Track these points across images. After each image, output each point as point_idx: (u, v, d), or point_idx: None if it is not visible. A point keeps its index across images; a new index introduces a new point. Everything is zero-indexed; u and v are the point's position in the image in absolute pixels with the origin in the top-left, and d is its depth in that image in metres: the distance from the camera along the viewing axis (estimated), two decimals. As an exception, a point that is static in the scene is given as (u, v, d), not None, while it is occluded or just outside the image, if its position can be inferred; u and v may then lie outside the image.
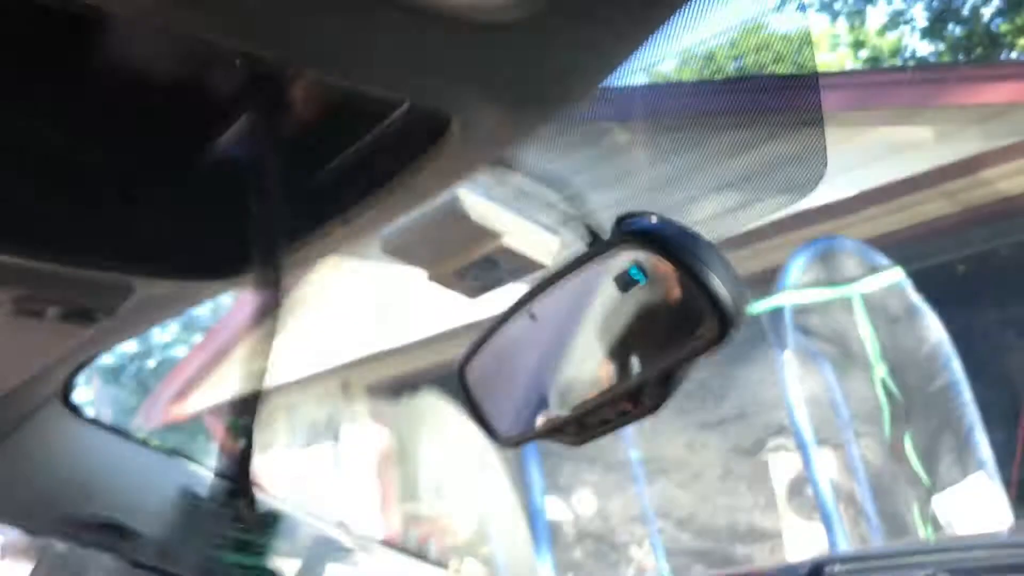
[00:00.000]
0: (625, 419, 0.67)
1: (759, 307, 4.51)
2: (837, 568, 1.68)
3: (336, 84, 0.51)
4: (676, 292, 0.60)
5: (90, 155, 0.66)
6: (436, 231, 0.77)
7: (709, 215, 0.82)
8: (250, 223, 0.60)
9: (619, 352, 0.66)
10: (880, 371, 4.46)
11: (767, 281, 4.89)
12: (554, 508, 5.80)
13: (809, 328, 4.57)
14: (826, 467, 4.47)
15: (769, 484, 4.82)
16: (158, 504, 1.09)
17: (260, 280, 0.68)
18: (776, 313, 4.44)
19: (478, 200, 0.76)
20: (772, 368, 4.56)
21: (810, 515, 4.59)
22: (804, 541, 4.75)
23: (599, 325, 0.67)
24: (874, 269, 4.63)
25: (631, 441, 5.30)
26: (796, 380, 4.32)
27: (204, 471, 1.35)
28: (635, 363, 0.65)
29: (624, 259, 0.64)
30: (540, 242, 0.79)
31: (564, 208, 0.78)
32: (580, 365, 0.69)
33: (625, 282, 0.63)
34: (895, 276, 4.61)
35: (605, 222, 0.75)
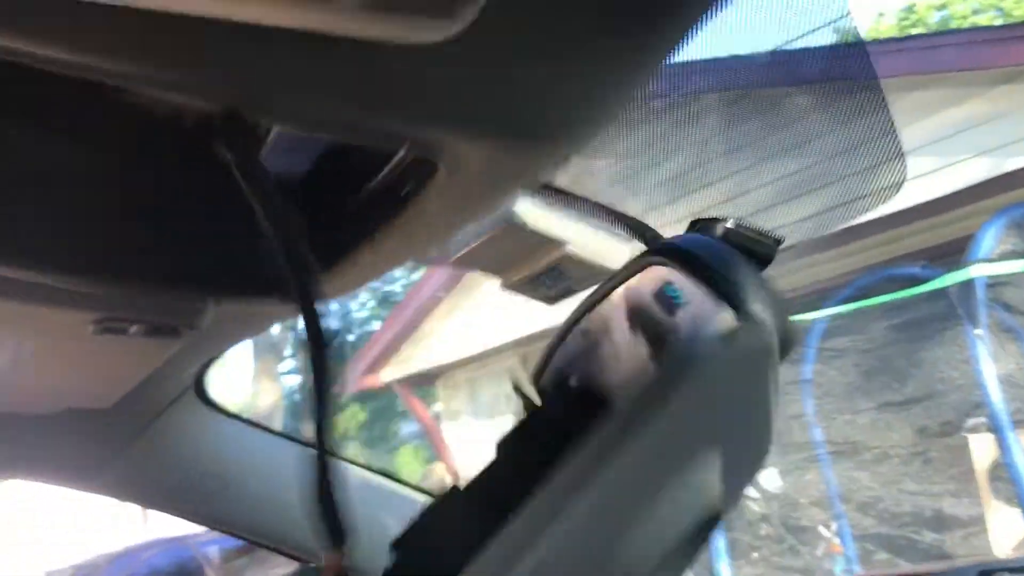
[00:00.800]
0: None
1: (946, 281, 4.21)
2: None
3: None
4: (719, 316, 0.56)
5: (150, 188, 0.68)
6: (497, 242, 0.76)
7: (798, 215, 0.75)
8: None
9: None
10: (1088, 348, 4.07)
11: (957, 252, 4.56)
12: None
13: (1005, 302, 4.22)
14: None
15: (959, 468, 4.52)
16: (291, 493, 1.13)
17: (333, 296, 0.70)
18: (966, 286, 4.13)
19: (536, 210, 0.74)
20: (962, 345, 4.25)
21: (1011, 501, 4.27)
22: (1004, 529, 4.43)
23: (651, 340, 0.63)
24: (1083, 237, 4.22)
25: (814, 421, 5.11)
26: (990, 357, 4.00)
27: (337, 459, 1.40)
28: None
29: (662, 275, 0.60)
30: (608, 249, 0.76)
31: (633, 213, 0.74)
32: (632, 384, 0.66)
33: (664, 302, 0.59)
34: (1107, 243, 4.19)
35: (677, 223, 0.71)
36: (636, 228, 0.72)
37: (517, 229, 0.73)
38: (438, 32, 0.37)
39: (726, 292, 0.54)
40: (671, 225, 0.71)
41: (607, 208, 0.72)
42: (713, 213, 0.68)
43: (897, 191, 0.69)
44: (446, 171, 0.52)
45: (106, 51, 0.39)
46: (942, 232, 5.56)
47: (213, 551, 6.99)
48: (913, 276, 4.81)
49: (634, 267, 0.63)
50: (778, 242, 0.67)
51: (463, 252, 0.79)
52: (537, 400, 0.72)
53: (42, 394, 1.06)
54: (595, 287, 0.68)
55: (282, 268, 0.57)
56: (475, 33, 0.38)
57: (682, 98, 0.73)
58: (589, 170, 0.71)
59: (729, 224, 0.66)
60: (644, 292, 0.62)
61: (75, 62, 0.39)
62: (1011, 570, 1.59)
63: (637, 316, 0.62)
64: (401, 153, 0.58)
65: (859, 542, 4.78)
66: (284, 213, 0.53)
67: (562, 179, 0.71)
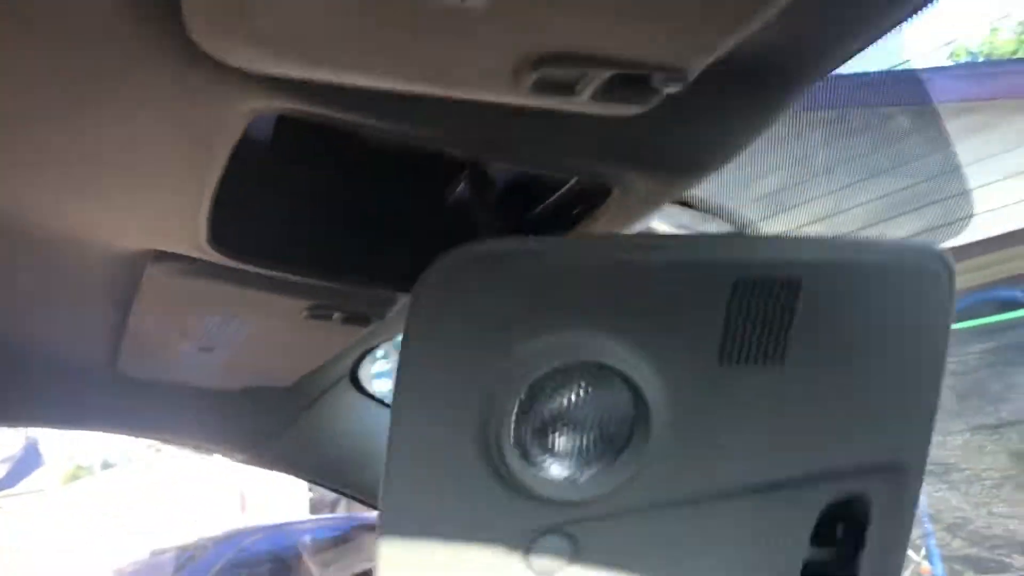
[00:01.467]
0: None
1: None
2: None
3: (528, 171, 0.68)
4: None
5: (366, 200, 0.87)
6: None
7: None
8: None
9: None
10: None
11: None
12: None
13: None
14: None
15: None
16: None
17: None
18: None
19: (669, 227, 0.90)
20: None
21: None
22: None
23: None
24: None
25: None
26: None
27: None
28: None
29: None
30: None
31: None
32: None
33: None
34: None
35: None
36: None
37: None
38: (633, 111, 0.54)
39: None
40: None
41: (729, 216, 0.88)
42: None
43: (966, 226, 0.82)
44: (619, 193, 0.69)
45: (409, 121, 0.58)
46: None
47: (307, 539, 7.26)
48: (1012, 299, 4.78)
49: None
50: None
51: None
52: None
53: (236, 372, 1.25)
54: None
55: None
56: (650, 107, 0.55)
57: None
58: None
59: None
60: None
61: (389, 128, 0.58)
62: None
63: None
64: (571, 182, 0.75)
65: (947, 563, 4.76)
66: (504, 223, 0.71)
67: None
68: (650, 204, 0.74)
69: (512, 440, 0.55)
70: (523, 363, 0.54)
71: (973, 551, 4.69)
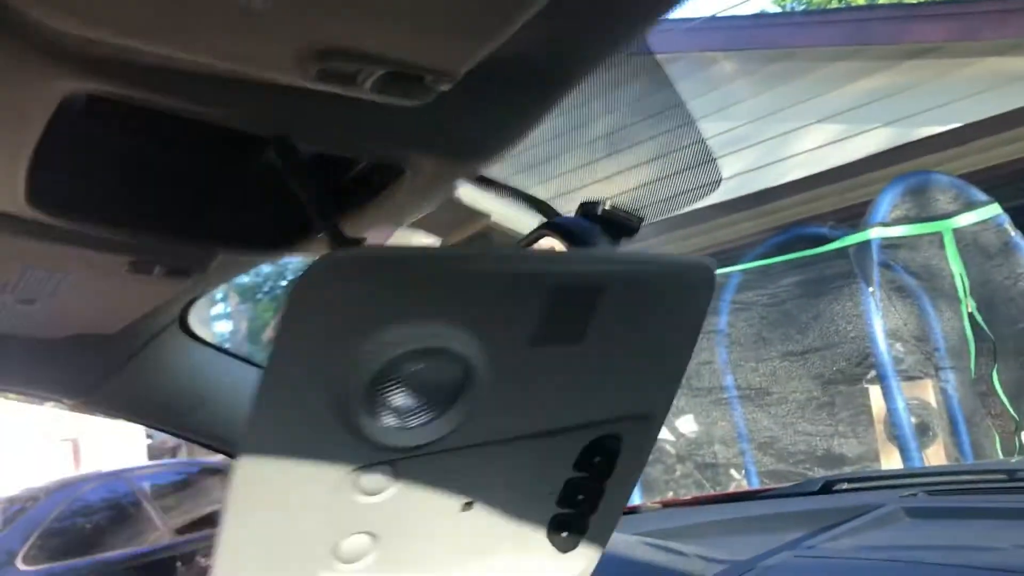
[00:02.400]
0: None
1: (846, 241, 4.57)
2: (844, 486, 1.88)
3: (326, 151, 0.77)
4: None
5: (184, 165, 0.93)
6: (439, 213, 1.02)
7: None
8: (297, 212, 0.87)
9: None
10: (969, 306, 4.49)
11: (861, 215, 4.93)
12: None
13: (897, 262, 4.61)
14: (912, 398, 4.57)
15: (850, 412, 4.94)
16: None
17: (304, 251, 0.96)
18: (863, 247, 4.50)
19: (469, 189, 1.00)
20: (857, 301, 4.64)
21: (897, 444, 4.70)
22: (894, 466, 4.86)
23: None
24: (969, 205, 4.61)
25: (725, 367, 5.50)
26: (880, 313, 4.39)
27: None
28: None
29: (550, 242, 0.87)
30: (521, 220, 1.03)
31: (537, 192, 1.01)
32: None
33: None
34: (992, 211, 4.59)
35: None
36: (537, 206, 0.99)
37: (455, 203, 1.00)
38: (414, 103, 0.63)
39: None
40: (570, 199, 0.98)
41: (519, 192, 0.99)
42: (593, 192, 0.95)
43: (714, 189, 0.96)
44: (411, 174, 0.78)
45: (210, 103, 0.65)
46: (850, 196, 5.95)
47: (146, 486, 7.15)
48: (822, 235, 5.18)
49: (534, 236, 0.90)
50: (641, 219, 0.95)
51: (415, 219, 1.05)
52: None
53: (60, 321, 1.27)
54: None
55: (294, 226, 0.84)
56: (433, 98, 0.64)
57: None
58: (512, 165, 0.97)
59: (606, 206, 0.93)
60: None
61: (190, 108, 0.65)
62: (850, 480, 1.91)
63: None
64: (369, 160, 0.84)
65: (761, 478, 5.20)
66: (314, 192, 0.79)
67: (492, 171, 0.97)
68: (441, 183, 0.84)
69: (360, 400, 0.66)
70: (379, 346, 0.65)
71: (781, 466, 5.13)
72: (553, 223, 0.89)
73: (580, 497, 0.86)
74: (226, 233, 0.96)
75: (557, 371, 0.77)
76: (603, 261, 0.80)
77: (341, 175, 0.88)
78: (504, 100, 0.74)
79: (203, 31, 0.54)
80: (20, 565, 6.04)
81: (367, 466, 0.71)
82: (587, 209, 0.93)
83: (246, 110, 0.68)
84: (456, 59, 0.58)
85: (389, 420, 0.68)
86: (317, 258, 0.60)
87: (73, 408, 1.59)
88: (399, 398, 0.67)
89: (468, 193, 1.00)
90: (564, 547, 0.88)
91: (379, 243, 0.94)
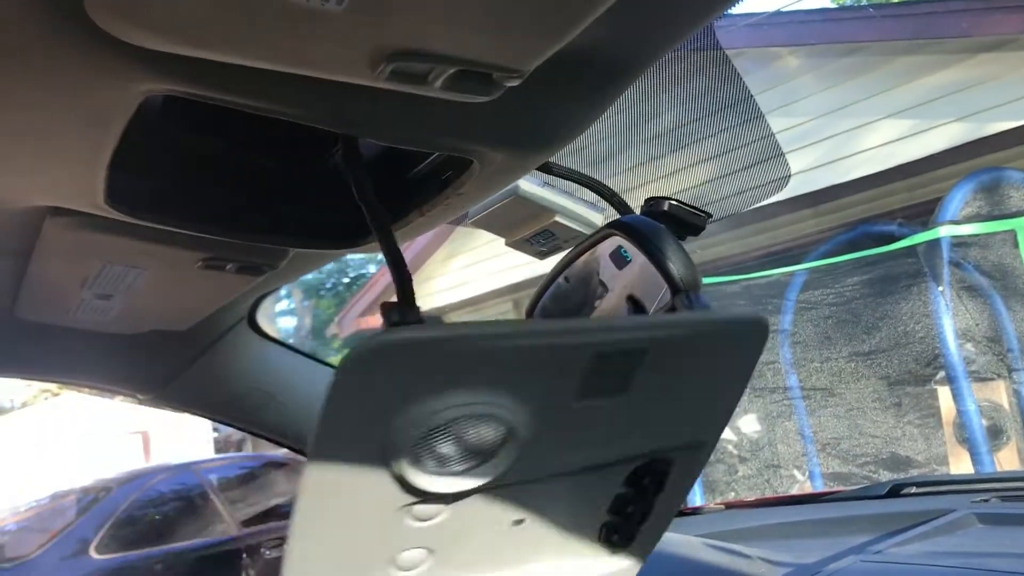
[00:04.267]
0: None
1: (914, 239, 4.47)
2: (913, 490, 1.84)
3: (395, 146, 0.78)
4: (645, 268, 0.83)
5: (257, 163, 0.95)
6: (506, 210, 1.03)
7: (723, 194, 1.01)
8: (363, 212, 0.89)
9: (619, 309, 0.89)
10: (1044, 306, 4.36)
11: (930, 212, 4.82)
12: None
13: (968, 260, 4.50)
14: (984, 400, 4.45)
15: (918, 414, 4.84)
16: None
17: (372, 248, 0.97)
18: (932, 245, 4.40)
19: (535, 187, 1.01)
20: (926, 300, 4.54)
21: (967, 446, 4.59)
22: (964, 470, 4.75)
23: (600, 289, 0.90)
24: (1045, 201, 4.47)
25: (789, 367, 5.42)
26: (950, 312, 4.29)
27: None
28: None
29: (617, 241, 0.87)
30: (586, 217, 1.03)
31: (604, 190, 1.01)
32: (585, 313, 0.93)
33: (618, 259, 0.86)
34: (1069, 208, 4.44)
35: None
36: (609, 198, 0.99)
37: (520, 202, 1.01)
38: (482, 99, 0.63)
39: (652, 254, 0.82)
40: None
41: (592, 182, 0.99)
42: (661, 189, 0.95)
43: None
44: (478, 165, 0.79)
45: (285, 103, 0.66)
46: (919, 192, 5.83)
47: (213, 479, 7.30)
48: (889, 233, 5.08)
49: (599, 235, 0.90)
50: (708, 216, 0.94)
51: (480, 216, 1.06)
52: None
53: (134, 317, 1.31)
54: (574, 246, 0.95)
55: (362, 223, 0.86)
56: (500, 93, 0.65)
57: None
58: (580, 161, 0.98)
59: (672, 202, 0.93)
60: (604, 251, 0.89)
61: (266, 108, 0.66)
62: (919, 484, 1.87)
63: (596, 268, 0.90)
64: (440, 153, 0.85)
65: (825, 480, 5.12)
66: (371, 192, 0.80)
67: (558, 168, 0.98)
68: (508, 174, 0.85)
69: (406, 458, 0.68)
70: (421, 416, 0.66)
71: (846, 468, 5.05)
72: (618, 222, 0.89)
73: (630, 509, 0.87)
74: (297, 230, 0.98)
75: (602, 417, 0.78)
76: (647, 328, 0.78)
77: (412, 168, 0.90)
78: (568, 92, 0.74)
79: (276, 39, 0.56)
80: (93, 554, 6.22)
81: (418, 501, 0.74)
82: (652, 206, 0.92)
83: (318, 110, 0.70)
84: (525, 56, 0.59)
85: (434, 473, 0.70)
86: (362, 340, 0.62)
87: (145, 402, 1.64)
88: (443, 456, 0.69)
89: (533, 190, 1.01)
90: (613, 551, 0.89)
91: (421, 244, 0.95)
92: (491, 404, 0.68)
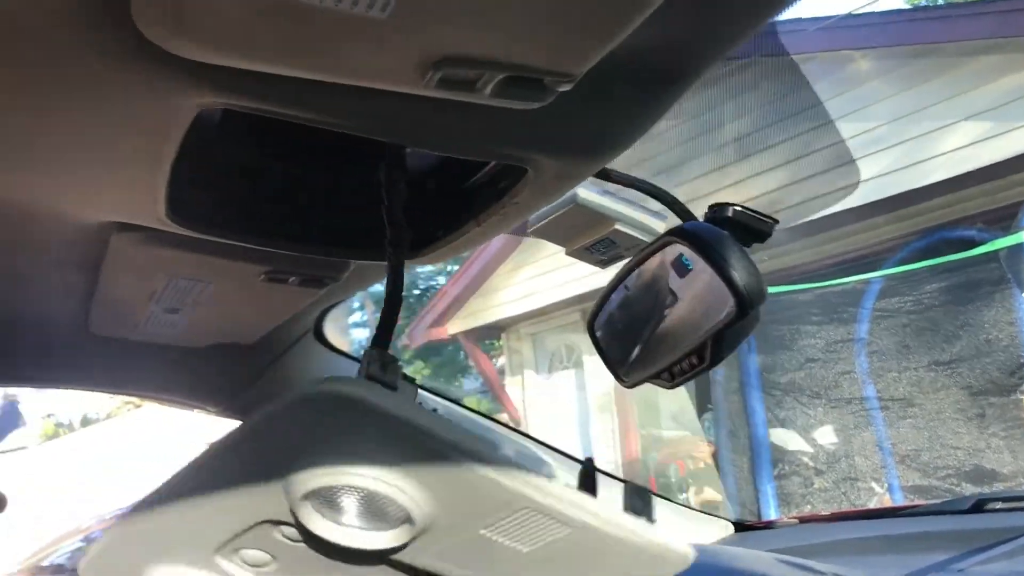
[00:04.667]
0: (696, 370, 0.88)
1: (996, 244, 4.32)
2: (999, 505, 1.76)
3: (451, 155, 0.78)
4: (709, 277, 0.80)
5: (316, 176, 0.95)
6: (565, 219, 1.01)
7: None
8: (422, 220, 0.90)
9: (685, 318, 0.86)
10: None
11: (1012, 217, 4.66)
12: (785, 439, 5.89)
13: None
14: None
15: (1003, 425, 4.66)
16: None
17: (431, 259, 0.97)
18: (1015, 250, 4.25)
19: (594, 196, 0.99)
20: (1009, 307, 4.38)
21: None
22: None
23: (669, 297, 0.88)
24: None
25: (866, 377, 5.29)
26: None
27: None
28: (694, 327, 0.85)
29: (678, 249, 0.85)
30: (647, 225, 1.01)
31: (665, 196, 0.98)
32: (662, 327, 0.90)
33: (679, 267, 0.84)
34: None
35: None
36: (671, 204, 0.97)
37: (580, 210, 0.99)
38: (533, 105, 0.63)
39: (715, 262, 0.80)
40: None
41: (653, 187, 0.97)
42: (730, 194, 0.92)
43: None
44: (533, 174, 0.78)
45: (335, 113, 0.67)
46: (1000, 196, 5.63)
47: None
48: (968, 238, 4.92)
49: (660, 242, 0.88)
50: (775, 221, 0.91)
51: (539, 226, 1.05)
52: None
53: (201, 330, 1.33)
54: (635, 255, 0.93)
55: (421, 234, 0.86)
56: (552, 99, 0.64)
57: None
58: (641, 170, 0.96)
59: (737, 207, 0.90)
60: (666, 259, 0.87)
61: (318, 120, 0.67)
62: (1005, 499, 1.79)
63: (660, 276, 0.88)
64: (495, 162, 0.84)
65: (905, 494, 4.97)
66: (399, 209, 0.81)
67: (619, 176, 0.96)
68: (564, 182, 0.84)
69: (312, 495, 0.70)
70: (311, 475, 0.68)
71: (926, 481, 4.89)
72: (679, 229, 0.87)
73: None
74: (358, 242, 0.98)
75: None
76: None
77: (468, 178, 0.89)
78: (622, 97, 0.73)
79: (321, 48, 0.56)
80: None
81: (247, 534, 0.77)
82: (716, 212, 0.90)
83: (367, 120, 0.70)
84: (575, 60, 0.58)
85: (328, 518, 0.72)
86: (314, 386, 0.65)
87: (216, 414, 1.66)
88: (341, 508, 0.71)
89: (592, 198, 0.99)
90: None
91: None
92: (392, 486, 0.69)
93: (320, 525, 0.71)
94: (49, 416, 19.23)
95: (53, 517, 10.05)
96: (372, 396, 0.65)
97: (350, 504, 0.70)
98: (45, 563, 7.90)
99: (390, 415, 0.65)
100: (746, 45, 0.74)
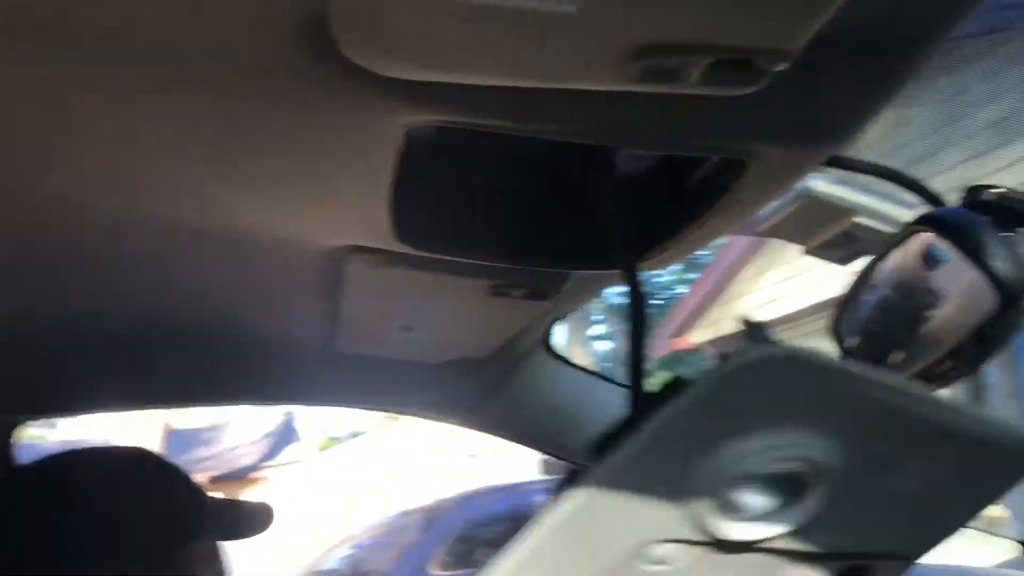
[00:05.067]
0: (954, 374, 0.78)
1: None
2: None
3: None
4: (965, 269, 0.70)
5: (530, 186, 0.94)
6: (797, 214, 0.93)
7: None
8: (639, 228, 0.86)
9: (941, 316, 0.76)
10: None
11: None
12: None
13: None
14: None
15: None
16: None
17: (651, 265, 0.93)
18: None
19: (829, 185, 0.91)
20: None
21: None
22: None
23: (923, 294, 0.78)
24: None
25: None
26: None
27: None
28: (952, 326, 0.75)
29: (929, 239, 0.75)
30: (890, 214, 0.91)
31: (909, 181, 0.88)
32: (916, 328, 0.80)
33: (931, 260, 0.74)
34: None
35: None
36: (918, 190, 0.87)
37: (814, 203, 0.91)
38: (746, 91, 0.57)
39: (971, 252, 0.70)
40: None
41: (894, 172, 0.87)
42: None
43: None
44: (755, 166, 0.72)
45: (542, 120, 0.64)
46: None
47: (542, 500, 7.53)
48: None
49: (906, 233, 0.79)
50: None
51: (769, 223, 0.97)
52: None
53: (436, 346, 1.36)
54: (879, 249, 0.84)
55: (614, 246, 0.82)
56: (771, 84, 0.58)
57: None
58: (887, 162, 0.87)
59: (998, 189, 0.79)
60: (916, 252, 0.77)
61: (524, 128, 0.65)
62: None
63: (911, 271, 0.78)
64: (714, 157, 0.79)
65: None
66: (615, 209, 0.76)
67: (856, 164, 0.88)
68: (790, 174, 0.77)
69: (711, 491, 0.60)
70: (761, 447, 0.58)
71: None
72: (930, 216, 0.77)
73: None
74: (575, 253, 0.96)
75: (871, 500, 0.66)
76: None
77: (686, 177, 0.84)
78: (847, 76, 0.65)
79: (515, 50, 0.54)
80: (434, 571, 6.66)
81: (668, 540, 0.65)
82: (973, 197, 0.80)
83: (573, 123, 0.67)
84: (786, 35, 0.52)
85: (736, 518, 0.61)
86: (741, 353, 0.54)
87: (460, 425, 1.71)
88: (750, 500, 0.61)
89: (826, 189, 0.91)
90: None
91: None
92: (819, 449, 0.59)
93: (735, 528, 0.63)
94: (323, 430, 20.86)
95: (327, 525, 10.84)
96: (804, 352, 0.54)
97: (759, 493, 0.62)
98: (319, 568, 8.52)
99: (825, 366, 0.56)
100: (1003, 18, 0.64)
